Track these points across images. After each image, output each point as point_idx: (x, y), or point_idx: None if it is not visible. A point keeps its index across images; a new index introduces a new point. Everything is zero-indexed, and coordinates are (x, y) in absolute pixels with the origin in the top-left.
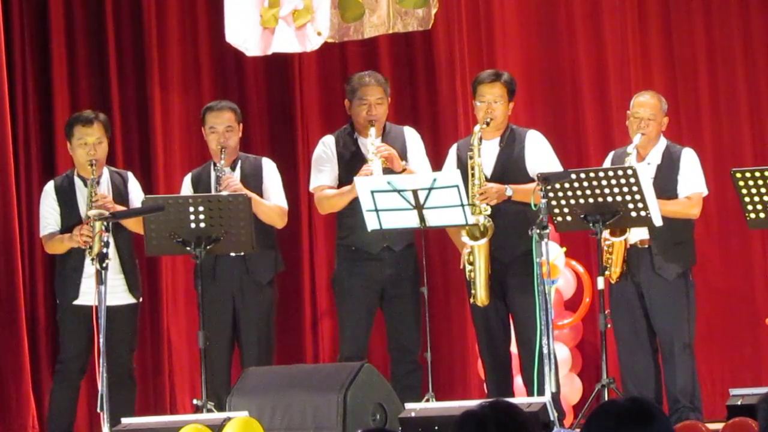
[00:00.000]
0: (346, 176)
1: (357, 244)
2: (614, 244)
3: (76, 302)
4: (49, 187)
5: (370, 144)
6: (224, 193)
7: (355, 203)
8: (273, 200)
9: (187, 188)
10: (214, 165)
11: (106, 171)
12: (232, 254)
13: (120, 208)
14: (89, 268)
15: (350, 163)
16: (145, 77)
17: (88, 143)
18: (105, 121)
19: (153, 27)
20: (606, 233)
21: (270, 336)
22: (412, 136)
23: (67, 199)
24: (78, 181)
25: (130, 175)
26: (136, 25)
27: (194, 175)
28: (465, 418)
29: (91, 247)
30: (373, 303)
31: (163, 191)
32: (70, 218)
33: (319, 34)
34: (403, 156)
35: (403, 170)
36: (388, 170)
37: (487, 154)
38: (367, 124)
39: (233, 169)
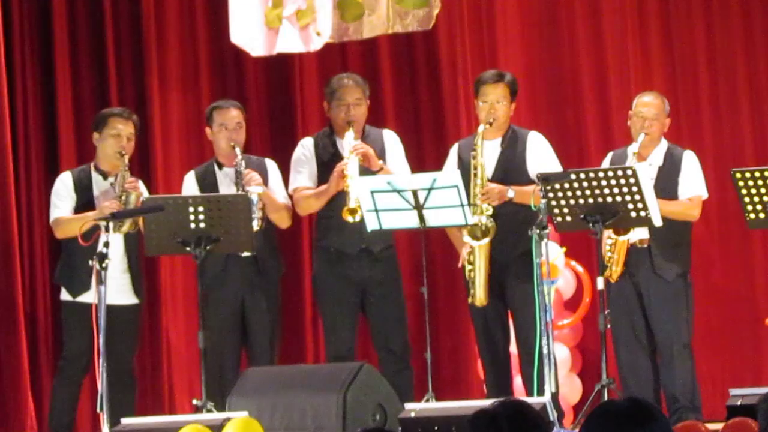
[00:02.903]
0: (324, 178)
1: (335, 245)
2: (617, 242)
3: (84, 299)
4: (67, 176)
5: (348, 143)
6: (250, 189)
7: (332, 204)
8: (280, 200)
9: (191, 187)
10: (218, 165)
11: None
12: (244, 254)
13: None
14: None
15: (329, 164)
16: (145, 77)
17: (122, 135)
18: (137, 122)
19: (152, 27)
20: (609, 232)
21: (278, 337)
22: (391, 139)
23: (84, 191)
24: (96, 176)
25: (140, 183)
26: (136, 24)
27: (198, 174)
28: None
29: (121, 221)
30: (354, 303)
31: (162, 191)
32: (84, 212)
33: (318, 34)
34: (382, 158)
35: (381, 169)
36: (365, 169)
37: (488, 154)
38: (346, 125)
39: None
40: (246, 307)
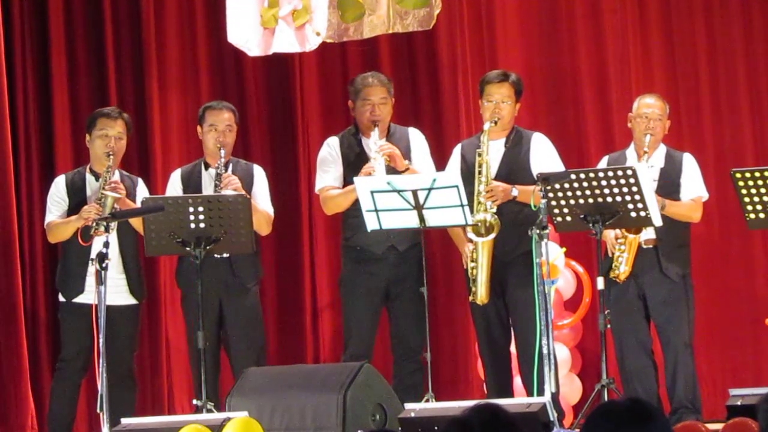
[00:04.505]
0: (351, 177)
1: (361, 244)
2: (627, 240)
3: (79, 300)
4: (60, 180)
5: (373, 143)
6: (225, 192)
7: (359, 203)
8: (261, 207)
9: (176, 184)
10: (206, 165)
11: (117, 172)
12: (216, 256)
13: (130, 202)
14: (93, 266)
15: (355, 163)
16: (144, 77)
17: (109, 135)
18: (128, 120)
19: (151, 27)
20: (618, 231)
21: (261, 337)
22: (416, 137)
23: (76, 194)
24: (89, 177)
25: (140, 181)
26: (135, 25)
27: (184, 173)
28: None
29: (96, 224)
30: (378, 302)
31: (161, 191)
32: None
33: (317, 34)
34: (407, 156)
35: (407, 169)
36: (391, 169)
37: (491, 154)
38: (371, 124)
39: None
40: (223, 309)
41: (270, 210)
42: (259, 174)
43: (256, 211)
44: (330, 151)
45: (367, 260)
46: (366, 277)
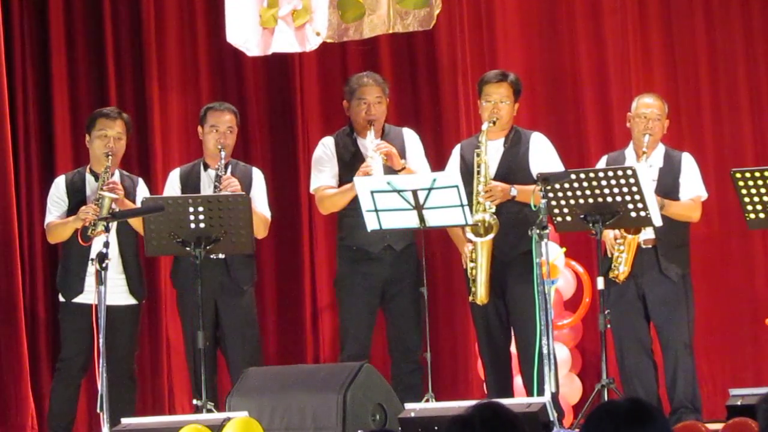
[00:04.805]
0: (346, 177)
1: (357, 244)
2: (627, 240)
3: (78, 300)
4: (60, 180)
5: (370, 142)
6: (224, 192)
7: (355, 203)
8: (259, 210)
9: (175, 184)
10: (205, 166)
11: (117, 173)
12: (213, 257)
13: (128, 202)
14: (93, 266)
15: (350, 163)
16: (144, 78)
17: (108, 135)
18: (127, 120)
19: (152, 27)
20: (617, 231)
21: (256, 338)
22: (411, 138)
23: (76, 194)
24: (89, 178)
25: (141, 181)
26: (135, 25)
27: (183, 173)
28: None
29: (93, 224)
30: (374, 302)
31: (161, 191)
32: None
33: (317, 34)
34: (402, 156)
35: (403, 168)
36: (387, 168)
37: (490, 154)
38: (366, 124)
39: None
40: (219, 310)
41: (267, 213)
42: (258, 177)
43: (254, 214)
44: (325, 150)
45: (363, 260)
46: (362, 276)
